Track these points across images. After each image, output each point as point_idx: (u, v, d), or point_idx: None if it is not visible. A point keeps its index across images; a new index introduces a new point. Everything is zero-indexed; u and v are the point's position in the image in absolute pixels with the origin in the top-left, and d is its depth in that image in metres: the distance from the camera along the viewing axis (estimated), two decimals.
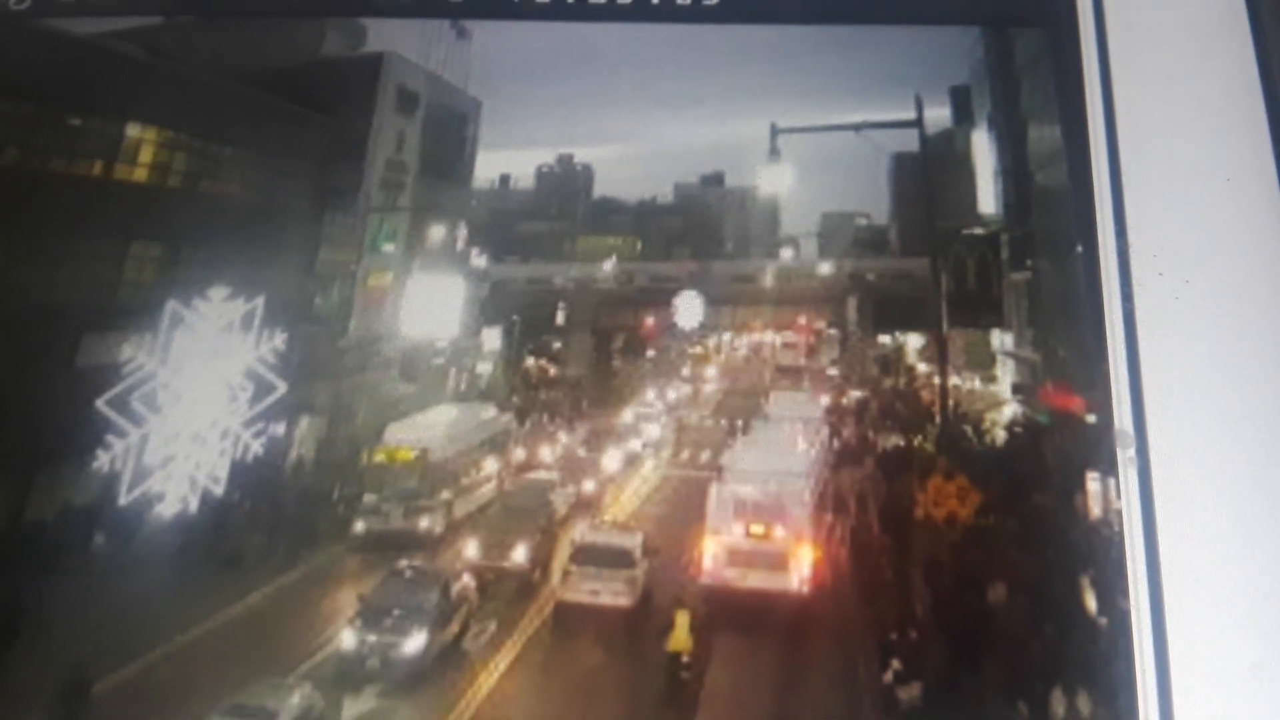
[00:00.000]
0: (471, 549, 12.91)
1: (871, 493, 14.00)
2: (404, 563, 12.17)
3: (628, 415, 19.34)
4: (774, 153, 17.04)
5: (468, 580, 11.76)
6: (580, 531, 12.98)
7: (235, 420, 9.43)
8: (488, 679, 10.32)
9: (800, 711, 10.05)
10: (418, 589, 11.17)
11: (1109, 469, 4.17)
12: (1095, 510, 9.11)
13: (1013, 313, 16.31)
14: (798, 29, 6.40)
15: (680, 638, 10.15)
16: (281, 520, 13.21)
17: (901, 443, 15.80)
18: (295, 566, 12.82)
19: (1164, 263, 4.47)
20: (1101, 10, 5.03)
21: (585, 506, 15.26)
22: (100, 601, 9.80)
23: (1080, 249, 4.66)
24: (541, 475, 15.76)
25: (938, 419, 16.17)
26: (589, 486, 15.77)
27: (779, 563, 12.27)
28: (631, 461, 17.33)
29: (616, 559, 11.95)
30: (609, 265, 21.86)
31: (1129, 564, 3.99)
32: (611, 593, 11.53)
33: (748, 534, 12.48)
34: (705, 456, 16.97)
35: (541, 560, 13.01)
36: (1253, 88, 4.80)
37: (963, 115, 17.81)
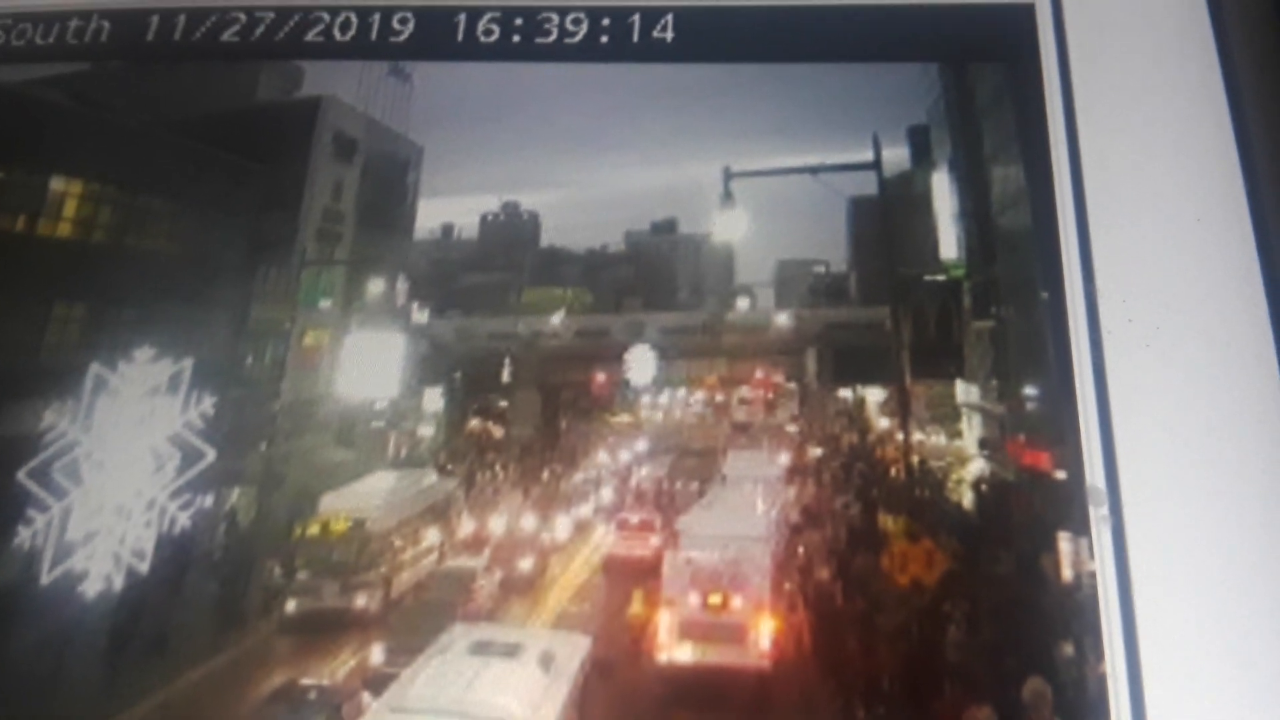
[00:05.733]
0: (376, 654, 12.37)
1: (833, 557, 14.01)
2: (287, 680, 11.60)
3: (577, 478, 19.33)
4: (727, 197, 17.17)
5: (366, 699, 10.92)
6: (621, 515, 17.06)
7: (161, 491, 9.23)
8: None
9: None
10: (304, 715, 10.65)
11: (1081, 528, 4.26)
12: (1067, 572, 9.13)
13: (977, 363, 16.42)
14: (752, 68, 6.53)
15: (636, 607, 13.16)
16: (209, 598, 13.02)
17: (864, 504, 15.84)
18: (223, 650, 12.56)
19: (1133, 308, 4.54)
20: (1065, 45, 5.16)
21: (525, 588, 15.15)
22: (19, 690, 9.59)
23: (1046, 295, 4.77)
24: (463, 563, 15.24)
25: (901, 477, 16.24)
26: (526, 565, 15.50)
27: (738, 635, 12.17)
28: (581, 529, 17.28)
29: (644, 528, 16.36)
30: (557, 318, 21.87)
31: (1104, 627, 4.03)
32: (641, 549, 15.78)
33: (705, 605, 12.38)
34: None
35: None
36: (1222, 123, 4.90)
37: (922, 156, 18.00)
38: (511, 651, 10.77)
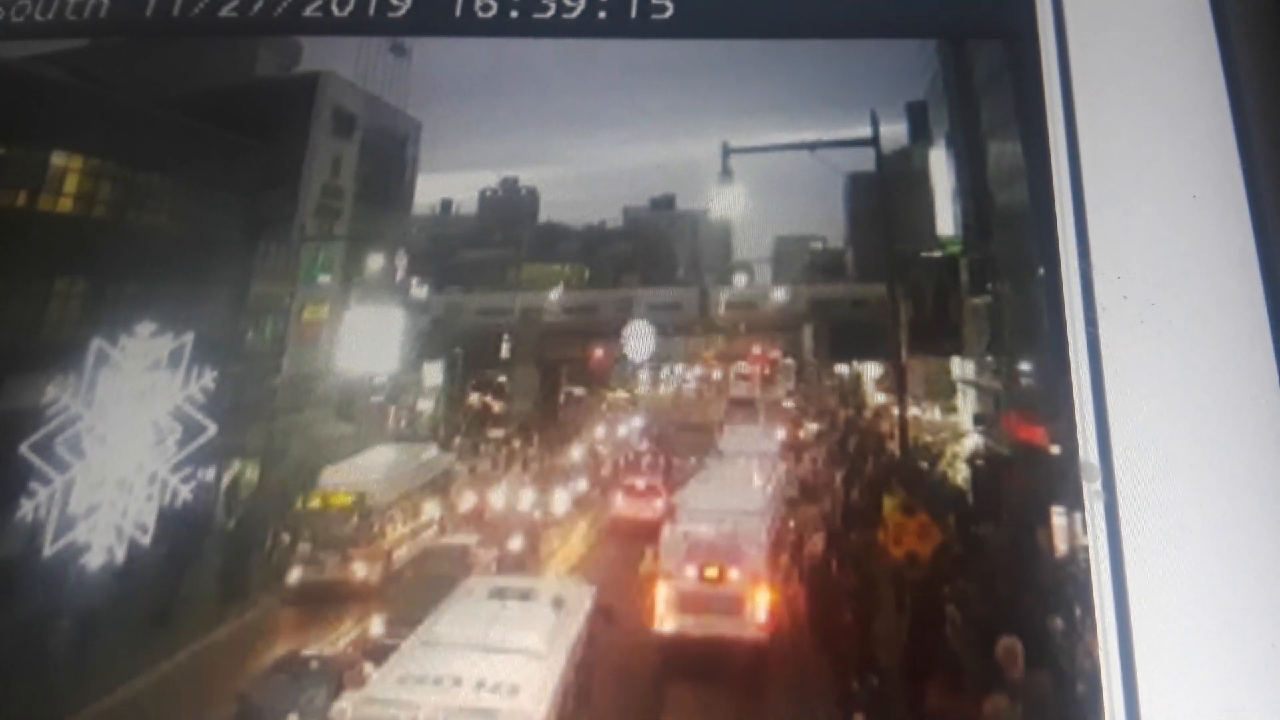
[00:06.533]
0: (376, 625, 12.54)
1: (829, 531, 14.04)
2: (290, 651, 11.75)
3: (576, 451, 19.37)
4: (726, 173, 17.17)
5: (368, 670, 11.05)
6: (629, 480, 17.63)
7: (163, 464, 9.30)
8: None
9: None
10: (306, 684, 10.76)
11: (1074, 502, 4.27)
12: (1061, 546, 9.14)
13: (973, 339, 16.41)
14: (750, 44, 6.51)
15: (647, 564, 13.19)
16: (211, 571, 13.06)
17: (860, 478, 15.87)
18: (225, 621, 12.63)
19: (1129, 285, 4.54)
20: (1063, 23, 5.15)
21: (523, 562, 15.12)
22: (22, 661, 9.65)
23: (1042, 271, 4.77)
24: (463, 536, 15.43)
25: (897, 452, 16.26)
26: (524, 539, 15.50)
27: (735, 607, 12.25)
28: (579, 503, 17.33)
29: (650, 492, 16.86)
30: (555, 294, 21.85)
31: (1096, 602, 4.03)
32: (647, 512, 16.31)
33: (702, 577, 12.44)
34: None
35: None
36: (1219, 101, 4.88)
37: (920, 133, 17.94)
38: (527, 595, 11.68)
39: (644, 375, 21.96)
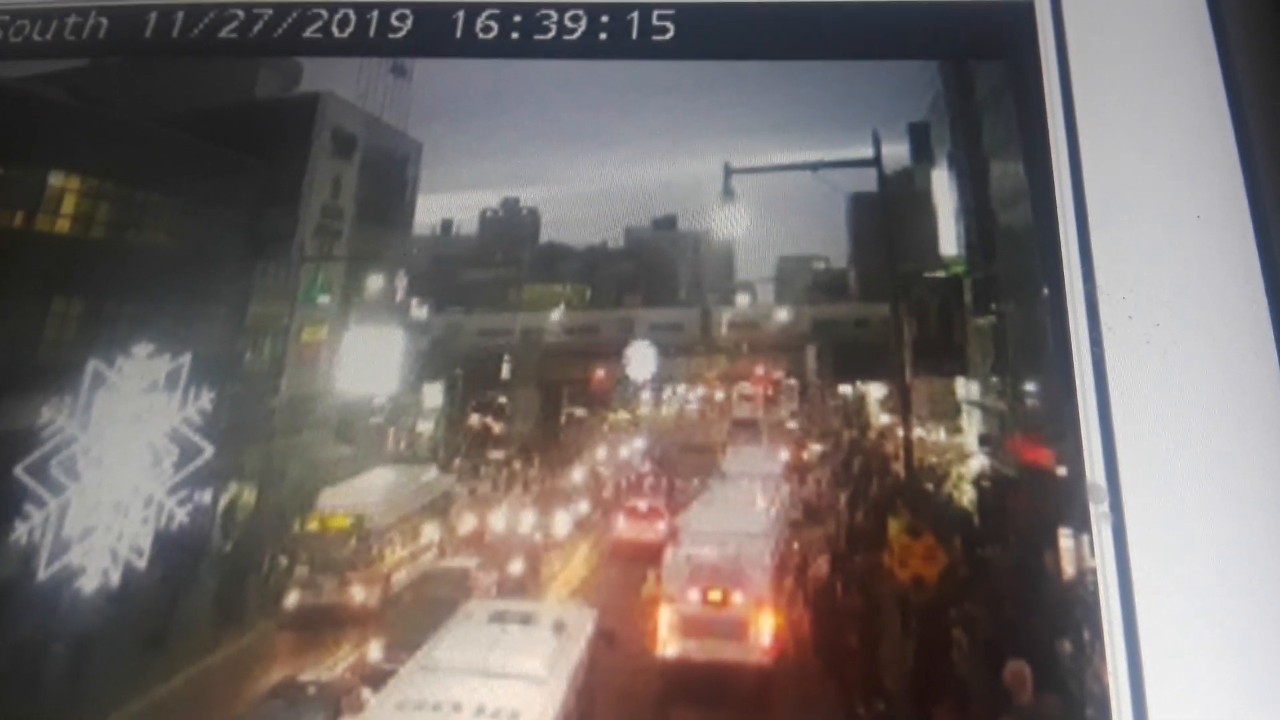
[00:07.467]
0: (375, 650, 12.51)
1: (833, 553, 14.00)
2: (287, 676, 11.78)
3: (577, 473, 19.34)
4: (728, 193, 17.22)
5: (366, 696, 11.08)
6: (631, 503, 17.71)
7: (159, 487, 9.25)
8: None
9: None
10: (303, 710, 10.81)
11: (1081, 524, 4.24)
12: (1068, 569, 9.11)
13: (977, 360, 16.39)
14: (751, 65, 6.54)
15: (649, 587, 13.04)
16: (207, 594, 13.02)
17: (864, 500, 15.83)
18: (222, 645, 12.56)
19: (1134, 305, 4.54)
20: (1064, 42, 5.18)
21: (524, 585, 15.08)
22: (15, 686, 9.63)
23: (1046, 291, 4.76)
24: (462, 560, 15.47)
25: (902, 474, 16.22)
26: (524, 562, 15.50)
27: (738, 631, 12.19)
28: (580, 525, 17.28)
29: (652, 515, 16.81)
30: (557, 315, 21.85)
31: (1104, 625, 4.02)
32: (650, 534, 16.27)
33: (705, 601, 12.40)
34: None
35: None
36: (1222, 121, 4.90)
37: (922, 153, 17.90)
38: (527, 619, 11.77)
39: (646, 396, 21.91)
